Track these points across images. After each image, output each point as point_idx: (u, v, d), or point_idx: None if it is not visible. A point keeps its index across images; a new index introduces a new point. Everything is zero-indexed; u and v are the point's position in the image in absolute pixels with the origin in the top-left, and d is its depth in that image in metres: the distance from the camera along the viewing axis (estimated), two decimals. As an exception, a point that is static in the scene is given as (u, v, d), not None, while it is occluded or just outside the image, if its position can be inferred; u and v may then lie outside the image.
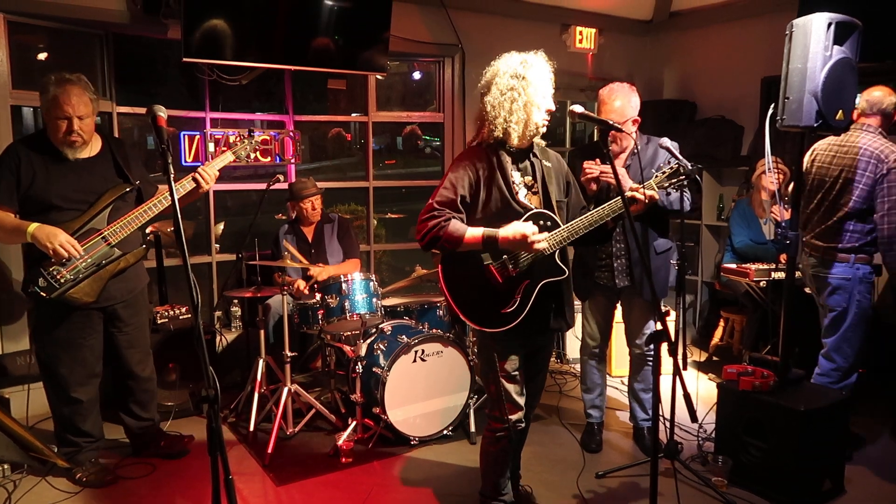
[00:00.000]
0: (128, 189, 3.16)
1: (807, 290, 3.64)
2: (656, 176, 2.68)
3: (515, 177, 2.53)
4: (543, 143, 2.63)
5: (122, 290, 3.19)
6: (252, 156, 3.46)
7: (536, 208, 2.52)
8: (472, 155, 2.52)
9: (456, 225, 2.41)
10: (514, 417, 2.61)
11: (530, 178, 2.56)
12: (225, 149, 3.39)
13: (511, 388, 2.59)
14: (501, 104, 2.45)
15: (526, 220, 2.46)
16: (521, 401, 2.62)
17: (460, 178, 2.47)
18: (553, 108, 2.50)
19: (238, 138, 3.42)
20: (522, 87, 2.44)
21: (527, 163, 2.57)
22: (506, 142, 2.50)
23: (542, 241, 2.41)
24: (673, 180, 2.66)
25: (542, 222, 2.50)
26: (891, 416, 3.87)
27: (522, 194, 2.53)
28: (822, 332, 3.48)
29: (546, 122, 2.50)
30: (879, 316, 4.54)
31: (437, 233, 2.41)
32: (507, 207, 2.48)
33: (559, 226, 2.52)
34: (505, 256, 2.49)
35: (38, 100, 3.05)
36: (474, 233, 2.41)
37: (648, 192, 2.66)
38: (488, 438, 2.70)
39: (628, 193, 2.61)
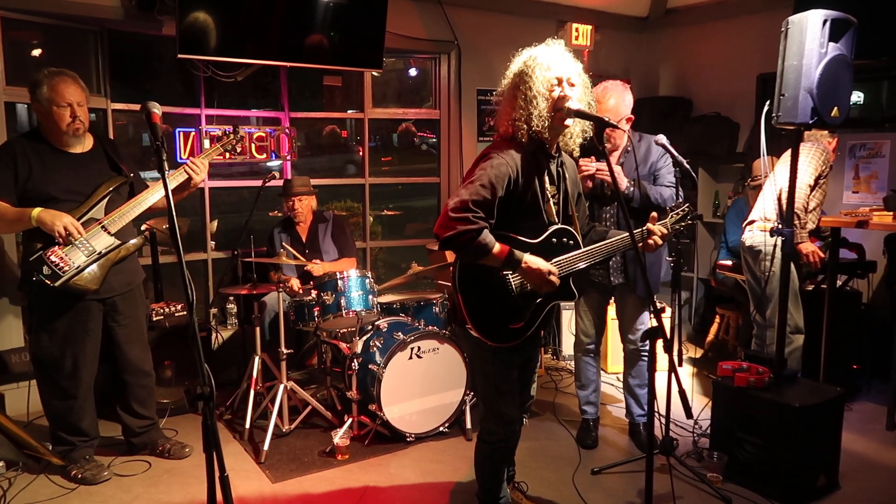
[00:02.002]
0: (122, 181, 3.20)
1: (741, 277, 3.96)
2: (671, 216, 2.67)
3: (546, 182, 2.42)
4: (576, 150, 2.49)
5: (122, 283, 3.22)
6: (237, 150, 3.57)
7: (557, 220, 2.46)
8: (511, 151, 2.34)
9: (486, 237, 2.24)
10: (509, 430, 2.57)
11: (554, 187, 2.46)
12: (215, 145, 3.47)
13: (507, 401, 2.53)
14: (511, 101, 2.35)
15: (550, 236, 2.42)
16: (516, 413, 2.58)
17: (501, 176, 2.28)
18: (568, 94, 2.30)
19: (223, 133, 3.51)
20: (526, 82, 2.31)
21: (554, 171, 2.46)
22: (531, 141, 2.36)
23: (557, 282, 2.34)
24: (682, 223, 2.68)
25: (564, 239, 2.45)
26: (885, 412, 3.88)
27: (550, 202, 2.44)
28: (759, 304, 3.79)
29: (561, 115, 2.31)
30: (873, 312, 4.56)
31: (466, 240, 2.22)
32: (536, 214, 2.39)
33: (579, 245, 2.47)
34: None
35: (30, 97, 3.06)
36: (499, 249, 2.26)
37: (662, 234, 2.58)
38: (483, 449, 2.65)
39: (647, 231, 2.58)
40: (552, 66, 2.32)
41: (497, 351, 2.45)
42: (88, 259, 3.02)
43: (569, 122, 2.34)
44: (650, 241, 2.55)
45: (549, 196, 2.43)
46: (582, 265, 2.46)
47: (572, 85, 2.34)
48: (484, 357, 2.50)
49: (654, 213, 2.60)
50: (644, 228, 2.56)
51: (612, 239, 2.51)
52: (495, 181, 2.27)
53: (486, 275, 2.36)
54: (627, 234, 2.41)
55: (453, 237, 2.23)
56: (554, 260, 2.40)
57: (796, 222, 3.57)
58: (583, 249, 2.47)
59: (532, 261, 2.30)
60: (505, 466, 2.72)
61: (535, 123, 2.31)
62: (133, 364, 3.35)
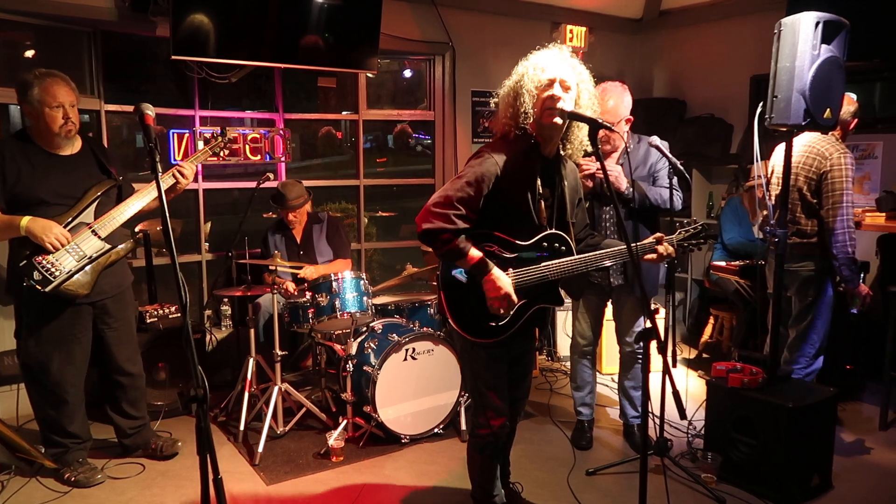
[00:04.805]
0: (112, 185, 3.19)
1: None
2: (680, 233, 2.68)
3: (539, 184, 2.44)
4: (581, 153, 2.52)
5: (112, 285, 3.21)
6: (226, 152, 3.57)
7: (550, 227, 2.48)
8: (503, 150, 2.39)
9: (462, 242, 2.33)
10: (497, 423, 2.58)
11: (548, 190, 2.48)
12: (204, 147, 3.46)
13: (495, 395, 2.55)
14: (506, 100, 2.43)
15: (541, 240, 2.45)
16: (505, 408, 2.59)
17: (487, 174, 2.34)
18: (557, 95, 2.32)
19: (212, 136, 3.51)
20: (520, 81, 2.38)
21: (549, 174, 2.48)
22: (522, 140, 2.41)
23: (511, 311, 2.40)
24: (693, 241, 2.67)
25: (556, 245, 2.47)
26: (878, 412, 3.90)
27: (542, 205, 2.47)
28: (791, 321, 3.59)
29: (550, 114, 2.33)
30: (867, 314, 4.57)
31: (442, 239, 2.32)
32: (525, 214, 2.42)
33: (572, 252, 2.49)
34: (511, 270, 2.43)
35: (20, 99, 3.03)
36: (474, 254, 2.33)
37: (668, 249, 2.60)
38: (474, 445, 2.67)
39: (653, 242, 2.61)
40: (546, 67, 2.37)
41: (479, 345, 2.48)
42: (79, 264, 3.00)
43: (558, 120, 2.35)
44: (650, 255, 2.58)
45: (541, 198, 2.45)
46: (574, 273, 2.48)
47: (567, 89, 2.36)
48: (469, 351, 2.54)
49: (661, 234, 2.63)
50: (650, 240, 2.58)
51: (605, 251, 2.53)
52: (481, 179, 2.33)
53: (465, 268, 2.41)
54: (623, 245, 2.46)
55: (431, 231, 2.33)
56: (543, 264, 2.44)
57: (853, 267, 3.35)
58: (574, 257, 2.48)
59: (497, 278, 2.35)
60: (497, 463, 2.73)
61: (521, 119, 2.36)
62: (123, 366, 3.33)
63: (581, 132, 2.44)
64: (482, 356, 2.52)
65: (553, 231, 2.48)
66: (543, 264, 2.44)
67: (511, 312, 2.42)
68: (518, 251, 2.42)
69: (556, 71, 2.36)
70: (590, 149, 2.43)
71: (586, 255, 2.51)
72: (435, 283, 4.48)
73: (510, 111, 2.39)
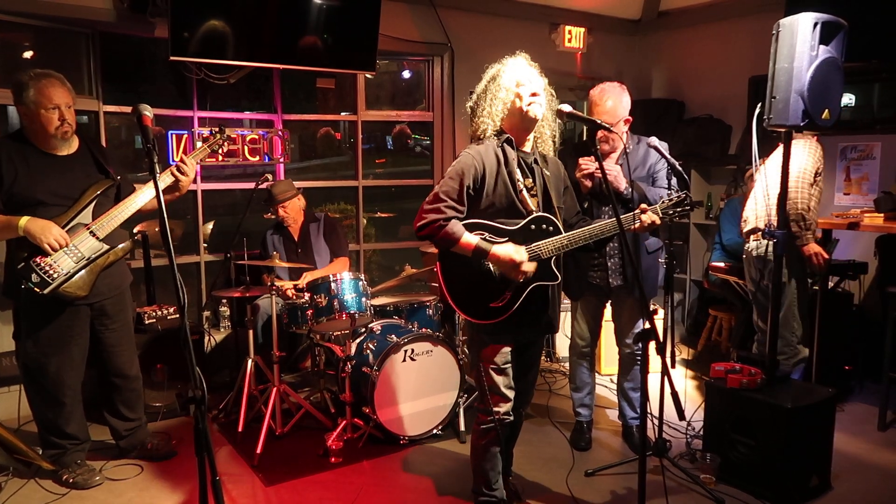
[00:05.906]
0: (110, 185, 3.17)
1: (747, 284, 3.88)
2: (663, 201, 2.73)
3: (519, 175, 2.58)
4: (550, 151, 2.71)
5: (110, 287, 3.20)
6: (224, 149, 3.59)
7: (537, 211, 2.59)
8: (479, 146, 2.58)
9: (454, 227, 2.47)
10: (501, 410, 2.64)
11: (530, 180, 2.61)
12: (203, 145, 3.45)
13: (499, 380, 2.62)
14: (480, 102, 2.64)
15: (529, 223, 2.55)
16: (510, 394, 2.65)
17: (467, 167, 2.51)
18: (537, 91, 2.53)
19: (210, 133, 3.52)
20: (494, 82, 2.59)
21: (526, 165, 2.62)
22: (499, 135, 2.59)
23: (530, 269, 2.49)
24: (678, 209, 2.72)
25: (544, 226, 2.58)
26: (876, 413, 3.90)
27: (525, 194, 2.60)
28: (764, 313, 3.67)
29: (529, 107, 2.52)
30: (865, 313, 4.58)
31: (434, 228, 2.47)
32: (510, 204, 2.55)
33: (560, 231, 2.59)
34: None
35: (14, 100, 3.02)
36: (469, 239, 2.46)
37: (652, 217, 2.68)
38: (477, 432, 2.73)
39: (639, 212, 2.69)
40: (517, 70, 2.57)
41: (484, 329, 2.57)
42: (77, 265, 2.99)
43: (538, 112, 2.52)
44: (639, 221, 2.66)
45: (524, 187, 2.58)
46: (564, 249, 2.58)
47: (536, 94, 2.54)
48: (476, 335, 2.65)
49: (644, 205, 2.72)
50: (635, 212, 2.68)
51: (595, 224, 2.63)
52: (462, 172, 2.51)
53: (467, 256, 2.51)
54: (612, 220, 2.58)
55: (426, 224, 2.49)
56: (534, 244, 2.53)
57: (802, 224, 3.54)
58: (563, 234, 2.59)
59: (500, 251, 2.46)
60: (497, 453, 2.74)
61: (502, 115, 2.56)
62: (121, 368, 3.33)
63: (547, 128, 2.66)
64: (487, 340, 2.61)
65: (539, 214, 2.58)
66: (534, 244, 2.54)
67: (526, 274, 2.50)
68: (508, 235, 2.53)
69: (526, 74, 2.57)
70: (546, 145, 2.66)
71: (574, 231, 2.61)
72: (434, 284, 4.49)
73: (489, 110, 2.57)
